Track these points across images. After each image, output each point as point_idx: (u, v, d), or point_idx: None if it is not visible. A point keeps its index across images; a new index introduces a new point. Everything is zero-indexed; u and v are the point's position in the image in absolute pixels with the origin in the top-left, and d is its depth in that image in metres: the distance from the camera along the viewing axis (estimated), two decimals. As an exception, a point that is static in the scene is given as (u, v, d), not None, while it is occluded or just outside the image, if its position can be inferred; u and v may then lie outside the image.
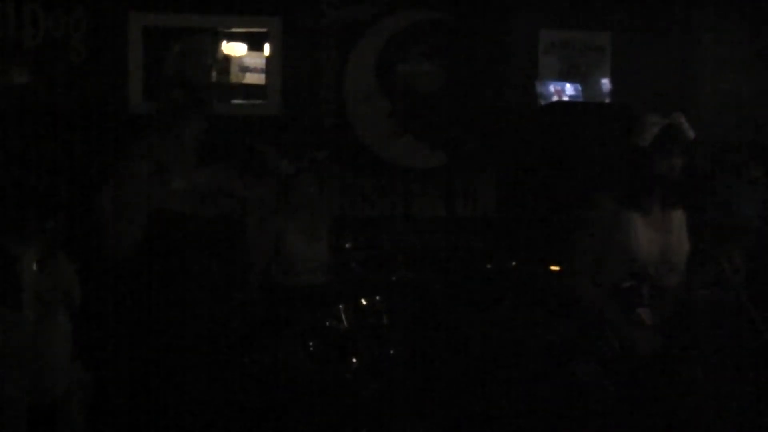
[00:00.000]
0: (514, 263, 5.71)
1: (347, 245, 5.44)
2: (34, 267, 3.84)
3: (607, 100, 6.64)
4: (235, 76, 6.53)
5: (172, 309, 3.73)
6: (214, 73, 6.46)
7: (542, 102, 6.47)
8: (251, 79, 6.54)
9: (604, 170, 3.94)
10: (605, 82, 6.72)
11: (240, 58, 6.53)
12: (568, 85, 6.64)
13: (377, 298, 4.98)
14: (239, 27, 6.45)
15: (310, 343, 4.74)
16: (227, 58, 6.50)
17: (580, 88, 6.67)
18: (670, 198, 3.64)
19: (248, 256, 5.10)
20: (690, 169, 3.63)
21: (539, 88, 6.54)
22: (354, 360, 4.78)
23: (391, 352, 4.90)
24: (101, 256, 3.79)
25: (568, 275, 3.73)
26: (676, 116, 3.59)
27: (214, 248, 3.88)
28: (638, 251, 3.56)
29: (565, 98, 6.53)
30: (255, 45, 6.48)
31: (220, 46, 6.45)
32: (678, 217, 3.70)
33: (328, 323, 4.82)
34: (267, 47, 6.40)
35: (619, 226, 3.59)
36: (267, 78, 6.42)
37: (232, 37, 6.49)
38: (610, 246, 3.59)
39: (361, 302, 4.96)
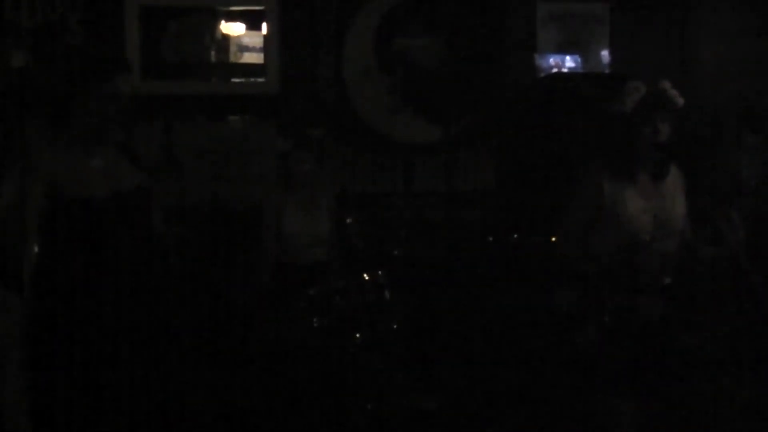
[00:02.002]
0: (515, 236, 5.72)
1: (348, 221, 5.44)
2: None
3: (607, 72, 6.63)
4: (233, 56, 6.52)
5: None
6: (212, 53, 6.45)
7: (541, 74, 6.45)
8: (249, 58, 6.52)
9: (597, 140, 3.92)
10: (604, 54, 6.71)
11: (238, 37, 6.51)
12: (567, 57, 6.62)
13: (379, 273, 4.99)
14: (236, 6, 6.43)
15: (314, 319, 4.76)
16: (225, 38, 6.49)
17: (579, 59, 6.66)
18: (660, 164, 3.60)
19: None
20: (683, 134, 3.61)
21: (538, 61, 6.52)
22: (357, 335, 4.80)
23: (394, 326, 4.92)
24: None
25: (559, 247, 3.73)
26: (662, 83, 3.56)
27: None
28: (629, 221, 3.54)
29: (564, 70, 6.52)
30: (253, 24, 6.46)
31: (218, 25, 6.44)
32: (672, 181, 3.66)
33: (331, 299, 4.83)
34: (264, 26, 6.39)
35: (607, 197, 3.56)
36: (265, 57, 6.41)
37: (230, 17, 6.47)
38: (600, 217, 3.57)
39: (364, 277, 4.97)
